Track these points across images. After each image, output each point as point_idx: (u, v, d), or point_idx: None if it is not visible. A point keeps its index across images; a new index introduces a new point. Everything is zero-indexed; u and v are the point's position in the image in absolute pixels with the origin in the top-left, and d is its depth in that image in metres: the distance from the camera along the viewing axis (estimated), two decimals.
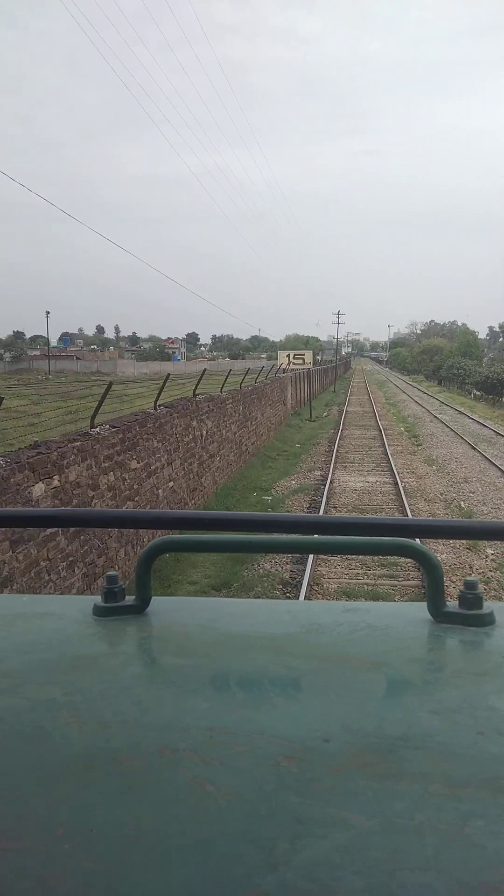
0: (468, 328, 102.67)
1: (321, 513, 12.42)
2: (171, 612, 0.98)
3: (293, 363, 34.59)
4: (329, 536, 0.97)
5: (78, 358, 79.64)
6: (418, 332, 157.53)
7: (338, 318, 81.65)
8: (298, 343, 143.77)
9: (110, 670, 0.80)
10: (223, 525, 0.96)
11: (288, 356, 34.93)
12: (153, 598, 0.97)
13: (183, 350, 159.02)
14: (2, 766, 0.62)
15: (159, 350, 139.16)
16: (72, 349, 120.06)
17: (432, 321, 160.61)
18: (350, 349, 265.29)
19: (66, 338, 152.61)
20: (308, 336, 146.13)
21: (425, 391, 61.96)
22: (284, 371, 34.69)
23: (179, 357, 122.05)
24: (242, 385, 20.91)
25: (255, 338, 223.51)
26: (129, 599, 0.98)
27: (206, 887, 0.48)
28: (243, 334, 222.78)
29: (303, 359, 34.99)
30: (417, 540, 1.00)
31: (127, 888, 0.48)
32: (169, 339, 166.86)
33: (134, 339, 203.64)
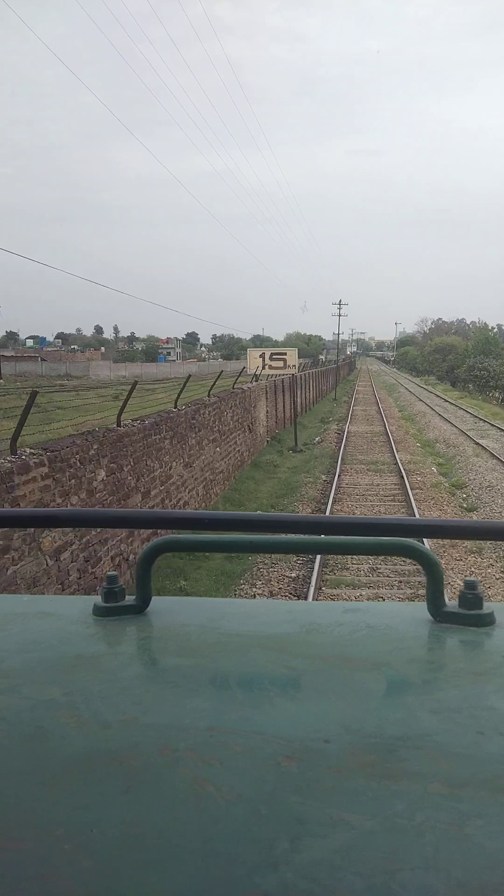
0: (487, 324, 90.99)
1: None
2: (171, 612, 0.97)
3: (271, 366, 23.28)
4: (329, 536, 0.96)
5: (43, 359, 68.45)
6: (426, 329, 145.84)
7: (339, 308, 58.39)
8: (300, 342, 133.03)
9: (110, 670, 0.78)
10: (224, 525, 0.95)
11: (262, 356, 23.49)
12: (153, 598, 0.97)
13: (179, 350, 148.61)
14: (2, 766, 0.61)
15: (142, 350, 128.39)
16: (49, 350, 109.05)
17: (440, 319, 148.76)
18: (355, 349, 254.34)
19: (42, 338, 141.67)
20: (311, 334, 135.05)
21: (443, 396, 50.83)
22: (257, 378, 23.39)
23: (165, 358, 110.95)
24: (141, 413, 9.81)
25: (257, 337, 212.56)
26: (130, 599, 0.97)
27: (206, 887, 0.47)
28: (245, 334, 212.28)
29: (283, 360, 23.55)
30: (426, 541, 0.81)
31: (127, 888, 0.47)
32: (165, 338, 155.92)
33: (132, 340, 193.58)
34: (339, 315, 58.75)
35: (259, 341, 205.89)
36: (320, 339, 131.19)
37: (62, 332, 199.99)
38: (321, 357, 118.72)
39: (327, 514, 13.27)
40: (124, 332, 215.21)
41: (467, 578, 0.91)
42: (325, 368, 53.45)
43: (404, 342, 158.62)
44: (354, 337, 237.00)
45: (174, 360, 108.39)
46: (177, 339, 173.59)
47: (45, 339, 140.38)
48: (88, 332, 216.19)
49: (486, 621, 0.88)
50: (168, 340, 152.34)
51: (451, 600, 0.92)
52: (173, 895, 0.47)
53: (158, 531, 6.50)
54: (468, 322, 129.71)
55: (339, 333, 58.47)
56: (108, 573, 0.97)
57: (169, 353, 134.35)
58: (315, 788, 0.57)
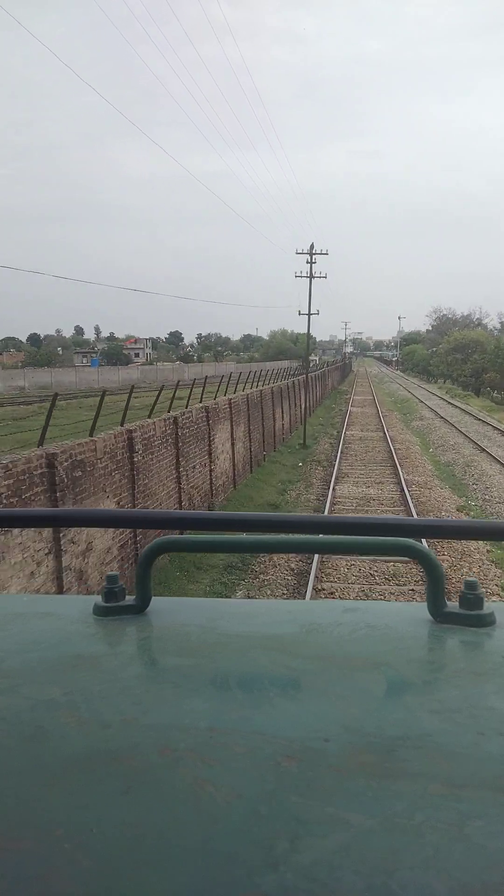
0: None
1: None
2: (171, 612, 0.94)
3: None
4: (330, 536, 0.94)
5: None
6: (430, 325, 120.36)
7: (310, 260, 28.33)
8: (286, 341, 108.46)
9: (110, 670, 0.76)
10: (224, 525, 0.93)
11: None
12: (153, 598, 0.94)
13: (149, 351, 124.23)
14: (2, 766, 0.60)
15: (101, 351, 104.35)
16: None
17: (444, 315, 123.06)
18: (352, 348, 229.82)
19: None
20: (299, 333, 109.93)
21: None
22: None
23: (97, 362, 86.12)
24: None
25: (247, 336, 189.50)
26: (130, 599, 0.94)
27: (206, 887, 0.46)
28: (234, 333, 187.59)
29: None
30: (423, 541, 1.00)
31: (127, 888, 0.46)
32: (132, 338, 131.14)
33: (108, 340, 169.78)
34: (311, 276, 28.50)
35: (249, 341, 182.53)
36: (310, 336, 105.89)
37: (35, 333, 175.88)
38: (314, 359, 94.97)
39: None
40: (105, 333, 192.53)
41: (467, 578, 0.88)
42: (282, 384, 27.89)
43: (409, 339, 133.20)
44: (350, 335, 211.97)
45: (142, 363, 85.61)
46: (153, 339, 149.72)
47: None
48: (68, 332, 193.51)
49: (487, 622, 0.85)
50: (136, 340, 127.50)
51: (451, 601, 0.89)
52: (173, 895, 0.46)
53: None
54: (474, 318, 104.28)
55: (308, 314, 29.29)
56: (108, 573, 0.94)
57: (137, 355, 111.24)
58: (315, 788, 0.55)
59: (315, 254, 29.10)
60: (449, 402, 43.86)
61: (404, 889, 0.45)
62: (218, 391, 19.58)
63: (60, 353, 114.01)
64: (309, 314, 29.20)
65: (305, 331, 30.14)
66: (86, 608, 0.93)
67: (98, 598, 0.92)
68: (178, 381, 16.93)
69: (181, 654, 0.80)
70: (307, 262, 28.85)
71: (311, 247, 29.23)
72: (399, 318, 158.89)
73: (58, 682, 0.73)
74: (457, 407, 39.84)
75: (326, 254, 30.22)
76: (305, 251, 29.05)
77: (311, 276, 28.97)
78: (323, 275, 30.81)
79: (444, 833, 0.50)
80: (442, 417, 33.87)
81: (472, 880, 0.46)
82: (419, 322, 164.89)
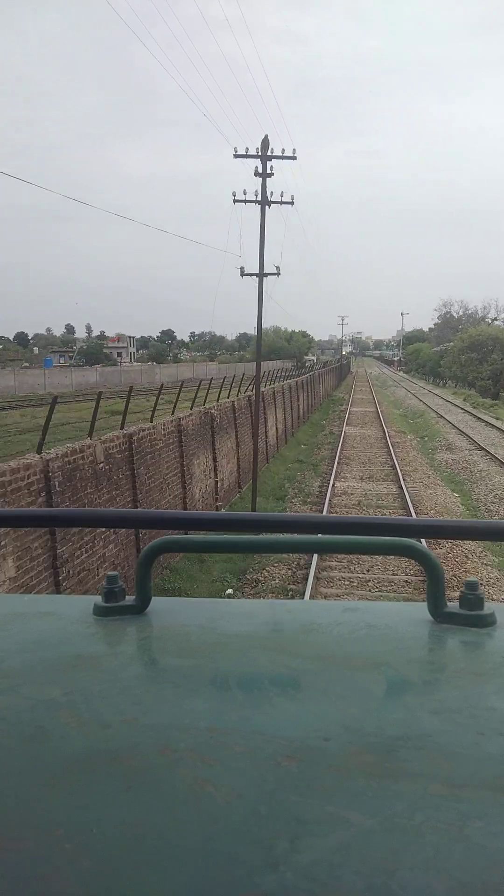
0: None
1: None
2: (171, 612, 0.93)
3: None
4: (330, 536, 0.93)
5: None
6: (432, 325, 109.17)
7: (263, 169, 13.50)
8: (279, 339, 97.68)
9: (110, 670, 0.76)
10: (224, 525, 0.93)
11: None
12: (153, 598, 0.93)
13: (133, 350, 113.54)
14: (2, 766, 0.59)
15: (78, 351, 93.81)
16: None
17: (447, 313, 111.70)
18: (351, 348, 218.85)
19: None
20: (293, 330, 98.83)
21: None
22: None
23: (52, 361, 75.24)
24: None
25: (243, 335, 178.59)
26: (130, 599, 0.93)
27: (206, 887, 0.45)
28: (230, 332, 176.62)
29: None
30: (424, 541, 0.99)
31: (127, 888, 0.46)
32: (116, 335, 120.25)
33: (101, 338, 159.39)
34: (264, 200, 13.51)
35: (246, 340, 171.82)
36: (305, 335, 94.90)
37: (22, 332, 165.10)
38: (311, 359, 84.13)
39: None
40: (97, 332, 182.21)
41: (468, 579, 0.88)
42: (225, 404, 15.30)
43: (412, 338, 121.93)
44: (349, 334, 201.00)
45: (103, 364, 75.32)
46: (144, 337, 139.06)
47: None
48: (58, 331, 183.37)
49: (487, 622, 0.84)
50: (119, 339, 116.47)
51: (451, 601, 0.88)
52: (173, 895, 0.45)
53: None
54: (488, 314, 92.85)
55: (260, 275, 13.91)
56: (108, 573, 0.93)
57: (120, 354, 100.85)
58: (315, 788, 0.54)
59: (273, 157, 14.38)
60: (476, 416, 32.80)
61: (404, 889, 0.45)
62: (155, 407, 13.06)
63: (36, 352, 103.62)
64: (261, 274, 14.89)
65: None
66: (86, 608, 0.91)
67: (98, 598, 0.91)
68: (55, 397, 9.24)
69: (181, 654, 0.79)
70: (257, 174, 14.39)
71: (265, 142, 14.32)
72: (402, 313, 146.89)
73: (58, 682, 0.72)
74: (492, 426, 28.77)
75: (294, 158, 15.11)
76: (253, 153, 14.27)
77: (265, 200, 14.30)
78: (288, 199, 15.47)
79: (444, 833, 0.49)
80: (481, 447, 22.78)
81: (472, 880, 0.45)
82: (420, 321, 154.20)
